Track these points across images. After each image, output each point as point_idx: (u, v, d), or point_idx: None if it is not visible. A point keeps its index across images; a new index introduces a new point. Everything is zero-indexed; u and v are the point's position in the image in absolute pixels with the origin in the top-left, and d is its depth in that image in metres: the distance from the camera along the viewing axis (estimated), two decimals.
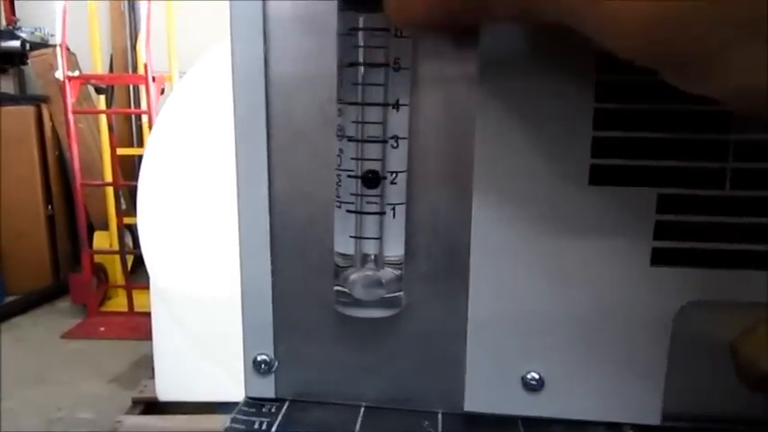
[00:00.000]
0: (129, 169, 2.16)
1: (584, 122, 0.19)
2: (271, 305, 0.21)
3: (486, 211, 0.20)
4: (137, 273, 2.05)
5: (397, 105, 0.19)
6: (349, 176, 0.20)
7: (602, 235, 0.20)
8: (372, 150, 0.19)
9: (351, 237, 0.20)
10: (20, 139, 2.22)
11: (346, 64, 0.19)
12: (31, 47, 2.34)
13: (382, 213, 0.20)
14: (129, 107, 2.51)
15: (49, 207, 2.28)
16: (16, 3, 2.48)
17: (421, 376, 0.22)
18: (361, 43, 0.19)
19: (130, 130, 2.54)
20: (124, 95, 2.53)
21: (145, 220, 1.22)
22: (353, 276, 0.20)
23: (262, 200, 0.21)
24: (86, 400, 1.55)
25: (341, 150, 0.20)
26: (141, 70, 1.98)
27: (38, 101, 2.29)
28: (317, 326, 0.22)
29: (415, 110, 0.20)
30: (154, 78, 1.90)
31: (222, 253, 0.51)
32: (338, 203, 0.20)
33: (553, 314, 0.21)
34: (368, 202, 0.19)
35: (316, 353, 0.22)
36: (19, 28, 2.41)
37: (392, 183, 0.20)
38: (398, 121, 0.19)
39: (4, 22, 2.42)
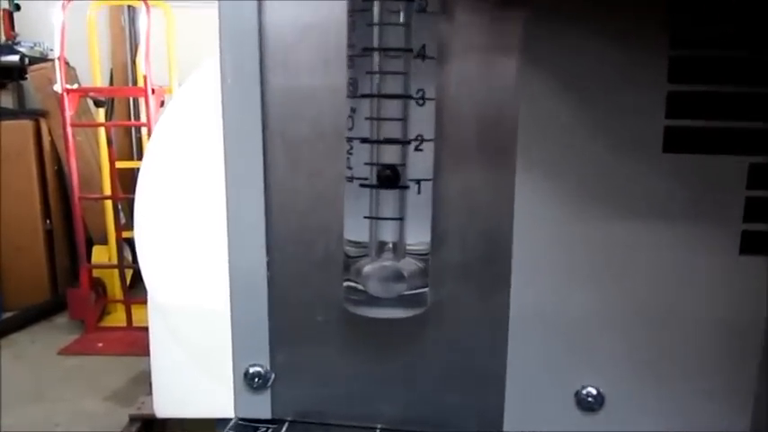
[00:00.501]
0: (128, 182, 2.13)
1: (657, 73, 0.16)
2: (266, 305, 0.17)
3: (533, 188, 0.16)
4: (136, 287, 2.02)
5: (423, 54, 0.15)
6: (362, 142, 0.16)
7: (677, 216, 0.16)
8: (392, 108, 0.15)
9: (365, 218, 0.16)
10: (18, 154, 2.21)
11: (359, 8, 0.15)
12: (30, 61, 2.34)
13: (404, 188, 0.16)
14: (130, 119, 2.50)
15: (48, 222, 2.26)
16: (16, 17, 2.48)
17: (450, 391, 0.18)
18: None
19: (130, 143, 2.53)
20: (124, 109, 2.52)
21: (142, 233, 1.18)
22: (368, 268, 0.16)
23: (254, 174, 0.17)
24: (83, 417, 1.52)
25: (352, 110, 0.16)
26: (141, 83, 1.97)
27: (37, 115, 2.29)
28: (323, 330, 0.18)
29: (446, 63, 0.16)
30: (153, 90, 1.88)
31: (222, 266, 0.45)
32: (349, 176, 0.16)
33: (615, 316, 0.17)
34: (386, 176, 0.16)
35: (321, 363, 0.18)
36: (18, 43, 2.41)
37: (417, 149, 0.16)
38: (425, 74, 0.15)
39: (3, 37, 2.41)
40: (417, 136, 0.16)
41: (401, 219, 0.16)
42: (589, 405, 0.18)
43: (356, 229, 0.16)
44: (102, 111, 2.09)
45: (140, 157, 2.25)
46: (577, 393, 0.18)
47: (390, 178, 0.15)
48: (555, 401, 0.18)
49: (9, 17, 2.46)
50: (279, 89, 0.16)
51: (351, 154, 0.16)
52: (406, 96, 0.15)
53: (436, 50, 0.15)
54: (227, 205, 0.17)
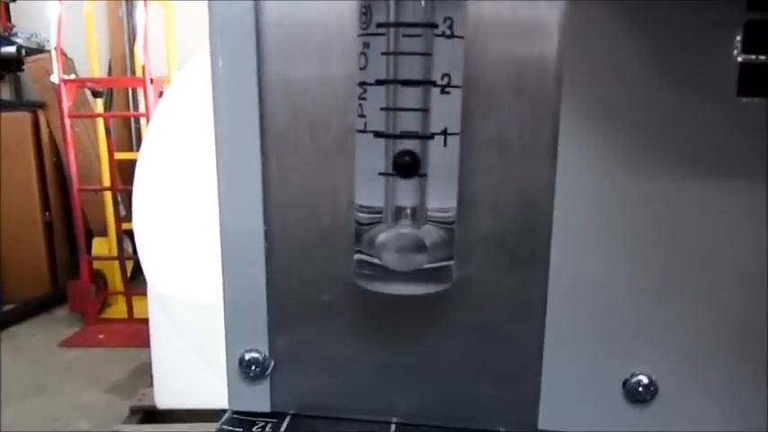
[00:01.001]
0: (128, 173, 2.11)
1: (734, 1, 0.13)
2: (264, 281, 0.15)
3: (579, 141, 0.14)
4: (137, 279, 2.01)
5: (451, 30, 0.12)
6: (379, 83, 0.13)
7: (749, 174, 0.14)
8: (414, 42, 0.13)
9: (380, 174, 0.13)
10: (17, 146, 2.20)
11: None
12: (27, 53, 2.32)
13: (428, 137, 0.13)
14: (129, 109, 2.48)
15: (47, 214, 2.25)
16: (12, 9, 2.45)
17: (477, 383, 0.15)
18: None
19: (129, 134, 2.51)
20: (123, 100, 2.50)
21: (141, 224, 1.16)
22: (382, 237, 0.14)
23: (248, 125, 0.14)
24: (84, 409, 1.52)
25: (365, 45, 0.13)
26: (139, 74, 1.94)
27: (35, 107, 2.28)
28: (330, 311, 0.15)
29: None
30: (152, 80, 1.86)
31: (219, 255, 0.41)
32: (362, 126, 0.13)
33: (671, 294, 0.14)
34: (405, 129, 0.13)
35: (327, 349, 0.15)
36: (15, 34, 2.39)
37: (443, 92, 0.13)
38: (447, 46, 0.13)
39: (0, 29, 2.39)
40: (443, 76, 0.13)
41: (423, 175, 0.13)
42: (640, 396, 0.15)
43: (369, 192, 0.14)
44: (100, 101, 2.07)
45: (140, 148, 2.22)
46: (626, 383, 0.15)
47: (410, 165, 0.13)
48: (599, 393, 0.15)
49: (5, 8, 2.43)
50: (276, 19, 0.14)
51: (363, 99, 0.13)
52: (431, 25, 0.12)
53: None
54: (217, 160, 0.15)
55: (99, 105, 2.07)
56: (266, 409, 0.17)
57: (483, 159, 0.15)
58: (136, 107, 2.42)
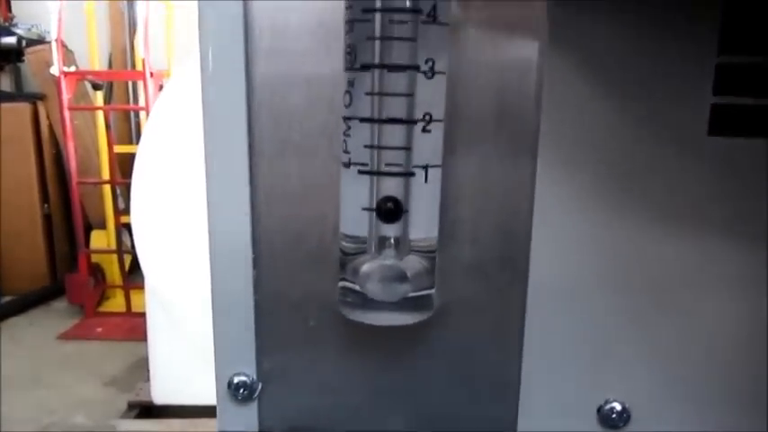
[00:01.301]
0: (127, 167, 2.11)
1: (705, 44, 0.13)
2: (252, 307, 0.15)
3: (556, 176, 0.14)
4: (135, 272, 2.01)
5: (433, 15, 0.13)
6: (362, 121, 0.13)
7: (719, 211, 0.14)
8: (397, 82, 0.13)
9: (363, 210, 0.14)
10: (16, 138, 2.20)
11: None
12: (27, 44, 2.31)
13: (409, 175, 0.14)
14: (128, 102, 2.47)
15: (46, 206, 2.25)
16: None
17: (457, 405, 0.16)
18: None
19: (129, 127, 2.51)
20: (123, 93, 2.50)
21: (139, 218, 1.16)
22: (366, 267, 0.14)
23: (237, 156, 0.15)
24: (81, 403, 1.53)
25: (350, 83, 0.14)
26: (140, 67, 1.94)
27: (34, 98, 2.27)
28: (316, 336, 0.16)
29: (460, 31, 0.14)
30: (152, 74, 1.86)
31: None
32: (346, 161, 0.14)
33: (645, 323, 0.15)
34: (388, 163, 0.13)
35: (314, 372, 0.16)
36: (15, 24, 2.38)
37: (424, 131, 0.14)
38: (434, 39, 0.13)
39: (0, 19, 2.38)
40: (425, 115, 0.14)
41: (405, 211, 0.14)
42: (613, 422, 0.16)
43: (354, 222, 0.14)
44: (100, 94, 2.07)
45: (139, 141, 2.23)
46: (600, 409, 0.16)
47: (393, 211, 0.13)
48: (575, 419, 0.16)
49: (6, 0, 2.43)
50: (265, 50, 0.14)
51: (348, 135, 0.14)
52: (413, 68, 0.13)
53: (448, 14, 0.13)
54: (207, 191, 0.15)
55: (99, 98, 2.07)
56: (254, 429, 0.17)
57: (464, 193, 0.15)
58: (136, 100, 2.42)
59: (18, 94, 2.37)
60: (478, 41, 0.14)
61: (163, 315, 1.23)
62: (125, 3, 2.52)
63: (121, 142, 2.23)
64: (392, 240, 0.15)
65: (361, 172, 0.14)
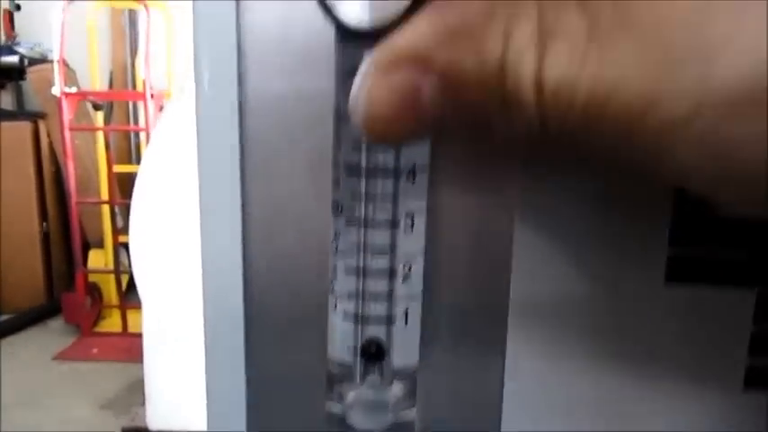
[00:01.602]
0: (126, 186, 2.12)
1: (659, 203, 0.15)
2: (243, 366, 0.16)
3: (527, 336, 0.15)
4: (132, 291, 2.01)
5: (412, 174, 0.14)
6: (348, 272, 0.15)
7: (680, 350, 0.15)
8: (379, 234, 0.14)
9: (349, 347, 0.15)
10: (16, 156, 2.20)
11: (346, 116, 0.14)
12: (29, 62, 2.33)
13: (390, 323, 0.15)
14: (129, 124, 2.48)
15: (44, 224, 2.25)
16: (16, 17, 2.47)
17: None
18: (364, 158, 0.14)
19: (128, 147, 2.52)
20: (123, 112, 2.51)
21: (138, 239, 1.16)
22: (351, 396, 0.15)
23: (232, 274, 0.16)
24: (76, 425, 1.51)
25: (336, 233, 0.15)
26: (140, 87, 1.96)
27: (35, 117, 2.28)
28: (312, 396, 0.16)
29: (435, 186, 0.15)
30: (152, 95, 1.87)
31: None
32: (334, 303, 0.15)
33: None
34: (371, 312, 0.15)
35: None
36: (18, 43, 2.40)
37: (404, 281, 0.15)
38: (414, 195, 0.14)
39: (3, 38, 2.40)
40: (405, 264, 0.15)
41: (387, 353, 0.15)
42: None
43: (340, 351, 0.15)
44: (100, 114, 2.09)
45: (138, 161, 2.25)
46: None
47: (375, 355, 0.15)
48: None
49: (9, 17, 2.45)
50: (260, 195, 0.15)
51: (335, 280, 0.15)
52: (393, 222, 0.14)
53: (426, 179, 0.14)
54: (204, 307, 0.16)
55: (99, 118, 2.09)
56: None
57: (441, 328, 0.16)
58: (136, 119, 2.43)
59: (19, 113, 2.38)
60: (455, 199, 0.15)
61: (159, 337, 1.23)
62: (126, 20, 2.54)
63: (120, 161, 2.24)
64: (376, 369, 0.16)
65: (346, 317, 0.15)
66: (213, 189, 0.16)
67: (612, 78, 0.10)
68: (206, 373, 0.16)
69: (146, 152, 1.31)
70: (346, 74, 0.14)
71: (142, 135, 2.03)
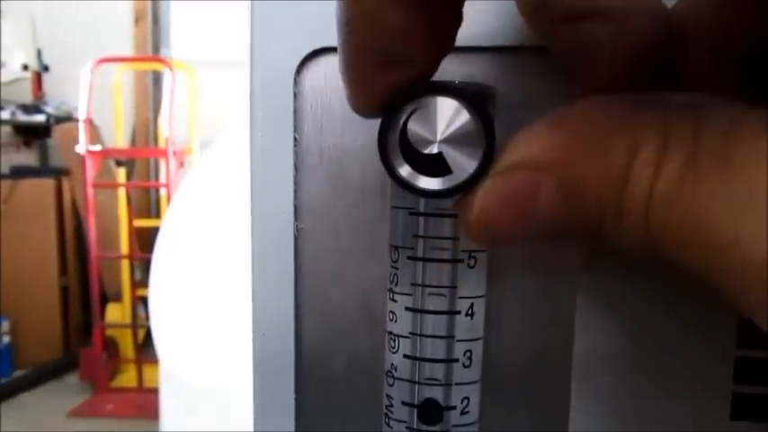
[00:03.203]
0: (146, 239, 2.15)
1: (725, 337, 0.15)
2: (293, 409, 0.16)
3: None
4: (148, 345, 2.00)
5: (471, 312, 0.14)
6: (403, 403, 0.15)
7: None
8: (434, 369, 0.14)
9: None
10: (39, 212, 2.24)
11: (403, 254, 0.15)
12: (55, 121, 2.40)
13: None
14: (149, 177, 2.53)
15: (63, 278, 2.26)
16: (44, 78, 2.56)
17: None
18: (422, 232, 0.14)
19: (149, 202, 2.56)
20: (144, 165, 2.56)
21: (157, 298, 1.15)
22: None
23: (284, 333, 0.16)
24: None
25: (393, 366, 0.15)
26: (162, 143, 2.01)
27: (59, 174, 2.33)
28: None
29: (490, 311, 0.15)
30: (174, 152, 1.92)
31: (236, 338, 0.43)
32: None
33: None
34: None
35: None
36: (45, 102, 2.48)
37: (463, 413, 0.15)
38: (468, 327, 0.15)
39: (31, 97, 2.49)
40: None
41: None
42: None
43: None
44: (122, 170, 2.13)
45: (158, 216, 2.29)
46: None
47: (435, 416, 0.14)
48: None
49: (37, 78, 2.54)
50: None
51: (391, 411, 0.15)
52: (447, 361, 0.14)
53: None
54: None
55: (121, 174, 2.14)
56: None
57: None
58: (157, 175, 2.48)
59: (43, 170, 2.43)
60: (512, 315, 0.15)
61: (177, 402, 1.21)
62: (150, 80, 2.63)
63: (140, 216, 2.28)
64: None
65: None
66: (266, 248, 0.16)
67: (704, 206, 0.10)
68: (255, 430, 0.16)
69: (170, 207, 1.33)
70: (401, 208, 0.14)
71: (162, 191, 2.07)
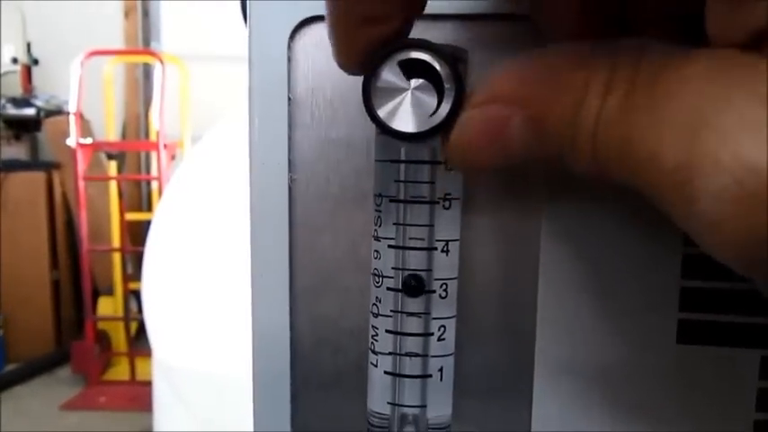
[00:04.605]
0: (137, 233, 2.15)
1: (672, 273, 0.16)
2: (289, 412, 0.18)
3: (552, 383, 0.17)
4: (141, 338, 2.01)
5: (446, 249, 0.16)
6: (387, 331, 0.16)
7: (692, 407, 0.17)
8: (415, 300, 0.16)
9: (388, 403, 0.17)
10: (29, 206, 2.23)
11: (386, 198, 0.16)
12: (46, 114, 2.39)
13: (426, 377, 0.16)
14: (140, 171, 2.53)
15: (54, 272, 2.26)
16: (33, 71, 2.55)
17: None
18: (403, 177, 0.16)
19: (140, 195, 2.55)
20: (135, 159, 2.56)
21: (150, 290, 1.16)
22: None
23: (281, 335, 0.17)
24: None
25: (377, 299, 0.17)
26: (153, 136, 2.01)
27: (49, 167, 2.32)
28: None
29: (464, 251, 0.17)
30: (165, 145, 1.92)
31: (230, 328, 0.46)
32: (374, 361, 0.17)
33: None
34: (408, 370, 0.16)
35: None
36: (35, 96, 2.46)
37: (439, 340, 0.16)
38: (445, 264, 0.16)
39: (21, 91, 2.48)
40: (440, 327, 0.17)
41: (424, 406, 0.17)
42: None
43: (380, 404, 0.17)
44: (114, 164, 2.13)
45: (149, 209, 2.29)
46: None
47: (416, 288, 0.16)
48: None
49: (27, 71, 2.53)
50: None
51: (375, 340, 0.17)
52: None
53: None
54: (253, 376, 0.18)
55: (112, 167, 2.13)
56: None
57: (472, 383, 0.18)
58: (148, 168, 2.48)
59: (34, 163, 2.42)
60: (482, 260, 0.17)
61: (170, 391, 1.22)
62: (141, 73, 2.62)
63: (132, 209, 2.28)
64: (411, 417, 0.17)
65: (386, 372, 0.16)
66: (264, 256, 0.18)
67: (634, 130, 0.12)
68: (254, 425, 0.18)
69: (161, 200, 1.34)
70: (384, 161, 0.16)
71: (154, 184, 2.07)
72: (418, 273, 0.16)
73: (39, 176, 2.27)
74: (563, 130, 0.13)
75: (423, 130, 0.14)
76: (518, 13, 0.16)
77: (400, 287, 0.16)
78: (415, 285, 0.16)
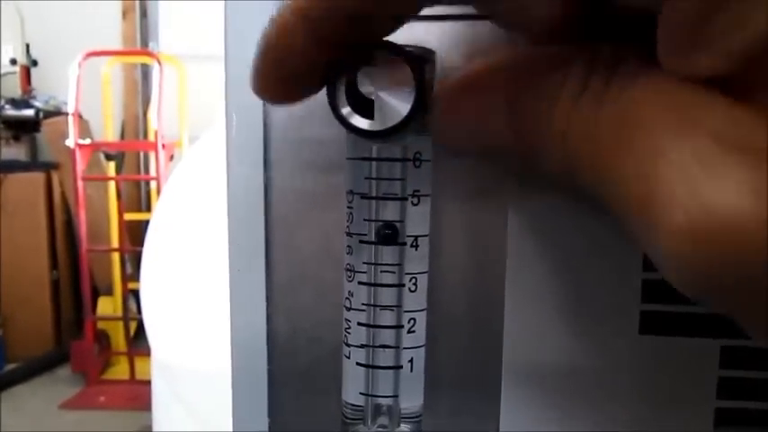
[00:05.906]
0: (136, 233, 2.16)
1: (634, 266, 0.17)
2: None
3: (518, 371, 0.17)
4: (140, 338, 2.01)
5: (415, 244, 0.17)
6: (359, 324, 0.17)
7: (655, 396, 0.17)
8: (386, 294, 0.17)
9: (360, 394, 0.17)
10: (28, 206, 2.24)
11: (357, 195, 0.17)
12: (44, 115, 2.39)
13: (398, 368, 0.17)
14: (139, 171, 2.54)
15: (54, 272, 2.27)
16: (32, 72, 2.56)
17: None
18: (374, 174, 0.16)
19: (139, 195, 2.56)
20: (134, 159, 2.57)
21: (148, 290, 1.17)
22: None
23: (257, 329, 0.18)
24: None
25: (350, 293, 0.17)
26: (152, 136, 2.02)
27: (48, 168, 2.32)
28: None
29: (435, 247, 0.18)
30: (164, 145, 1.92)
31: (228, 327, 0.46)
32: (347, 353, 0.17)
33: None
34: (381, 361, 0.17)
35: None
36: (34, 97, 2.47)
37: (409, 332, 0.17)
38: (415, 258, 0.17)
39: (20, 92, 2.49)
40: (410, 319, 0.17)
41: (396, 396, 0.17)
42: None
43: (353, 396, 0.18)
44: (112, 164, 2.14)
45: (148, 209, 2.30)
46: None
47: (390, 236, 0.17)
48: None
49: (26, 72, 2.54)
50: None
51: (348, 333, 0.17)
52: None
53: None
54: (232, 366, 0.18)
55: (111, 168, 2.14)
56: None
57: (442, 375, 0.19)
58: (146, 168, 2.48)
59: (33, 164, 2.43)
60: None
61: (169, 389, 1.23)
62: (139, 73, 2.63)
63: (131, 210, 2.28)
64: (385, 408, 0.18)
65: (359, 363, 0.17)
66: (241, 253, 0.19)
67: (594, 130, 0.12)
68: (233, 416, 0.18)
69: (160, 200, 1.35)
70: (355, 158, 0.16)
71: (152, 184, 2.08)
72: (389, 266, 0.16)
73: (38, 177, 2.28)
74: (538, 125, 0.13)
75: (385, 127, 0.14)
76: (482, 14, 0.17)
77: (372, 281, 0.16)
78: (389, 234, 0.17)
